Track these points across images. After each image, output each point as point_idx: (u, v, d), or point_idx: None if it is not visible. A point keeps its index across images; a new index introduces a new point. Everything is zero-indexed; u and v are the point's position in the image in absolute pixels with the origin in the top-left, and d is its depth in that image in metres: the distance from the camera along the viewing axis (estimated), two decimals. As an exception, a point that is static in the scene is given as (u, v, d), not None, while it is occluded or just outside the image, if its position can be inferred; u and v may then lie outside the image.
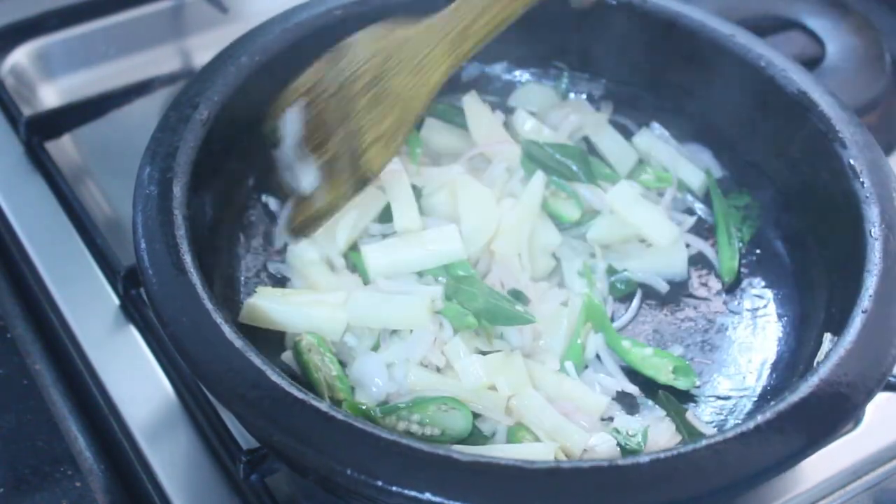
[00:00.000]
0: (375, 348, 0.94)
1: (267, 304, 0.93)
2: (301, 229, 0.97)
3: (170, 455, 0.89)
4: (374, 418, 0.87)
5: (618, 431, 0.90)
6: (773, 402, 0.77)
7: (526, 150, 1.09)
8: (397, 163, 1.03)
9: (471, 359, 0.91)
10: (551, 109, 1.16)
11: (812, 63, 1.21)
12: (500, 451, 0.85)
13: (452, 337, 0.93)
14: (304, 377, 0.91)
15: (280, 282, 1.01)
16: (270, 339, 0.94)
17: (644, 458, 0.72)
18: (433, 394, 0.89)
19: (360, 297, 0.95)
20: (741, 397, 0.95)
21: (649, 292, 1.04)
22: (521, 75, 1.19)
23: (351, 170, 0.93)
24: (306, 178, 0.93)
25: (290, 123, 0.92)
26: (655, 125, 1.14)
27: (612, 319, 1.01)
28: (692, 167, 1.11)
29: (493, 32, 0.96)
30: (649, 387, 0.95)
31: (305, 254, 1.01)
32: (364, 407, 0.88)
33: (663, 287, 1.04)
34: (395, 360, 0.93)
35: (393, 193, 1.03)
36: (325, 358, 0.92)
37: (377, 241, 1.01)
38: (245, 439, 0.87)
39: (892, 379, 0.81)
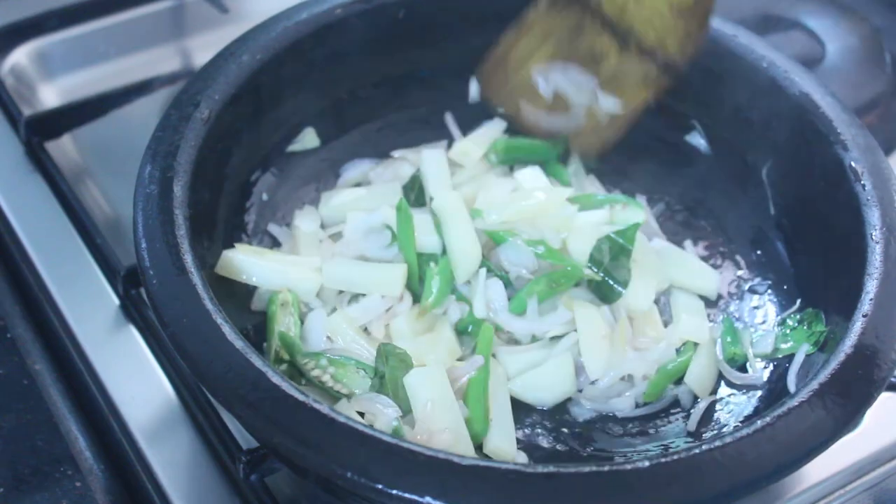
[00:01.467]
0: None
1: (244, 259, 0.95)
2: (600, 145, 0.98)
3: (170, 455, 0.89)
4: (296, 362, 0.91)
5: None
6: (773, 406, 0.77)
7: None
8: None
9: (411, 340, 0.94)
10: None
11: (812, 63, 1.21)
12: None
13: (407, 310, 0.97)
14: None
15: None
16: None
17: (644, 463, 0.71)
18: (360, 358, 0.93)
19: (337, 262, 0.99)
20: (741, 400, 0.95)
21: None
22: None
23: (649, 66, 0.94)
24: (605, 101, 0.96)
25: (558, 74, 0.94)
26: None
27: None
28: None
29: None
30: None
31: (304, 224, 1.04)
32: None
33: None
34: (341, 322, 0.95)
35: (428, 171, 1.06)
36: (290, 318, 0.94)
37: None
38: (245, 439, 0.87)
39: (892, 379, 0.81)
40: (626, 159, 1.14)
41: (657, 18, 0.90)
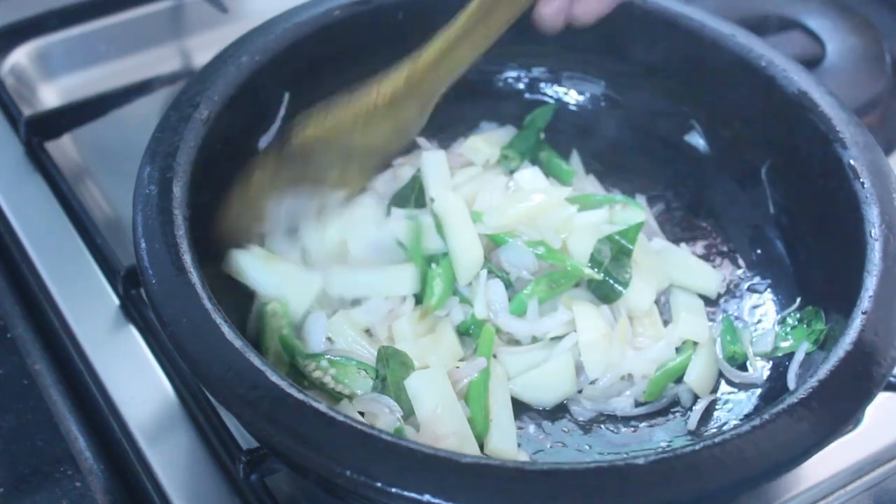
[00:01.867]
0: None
1: (248, 262, 0.95)
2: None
3: (170, 455, 0.89)
4: (297, 364, 0.92)
5: None
6: (772, 404, 0.77)
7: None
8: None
9: (413, 342, 0.94)
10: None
11: (812, 63, 1.21)
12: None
13: (410, 312, 0.96)
14: (258, 341, 0.94)
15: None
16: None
17: (643, 460, 0.71)
18: (361, 359, 0.93)
19: (340, 271, 0.98)
20: (742, 398, 0.95)
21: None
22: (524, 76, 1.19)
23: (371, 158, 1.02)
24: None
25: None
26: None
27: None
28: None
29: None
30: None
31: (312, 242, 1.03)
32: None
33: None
34: (343, 323, 0.95)
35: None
36: (284, 328, 0.94)
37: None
38: (245, 439, 0.87)
39: (892, 379, 0.81)
40: (625, 160, 1.14)
41: (384, 135, 1.00)
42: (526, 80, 1.19)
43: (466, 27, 0.95)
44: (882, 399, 0.82)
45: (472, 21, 0.94)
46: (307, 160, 0.98)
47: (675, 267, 1.04)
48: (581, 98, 1.19)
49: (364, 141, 0.99)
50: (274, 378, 0.75)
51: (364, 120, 0.97)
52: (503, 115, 1.18)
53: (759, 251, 1.06)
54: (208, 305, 0.79)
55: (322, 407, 0.73)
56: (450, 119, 1.13)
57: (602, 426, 0.94)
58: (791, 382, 0.91)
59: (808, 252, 1.00)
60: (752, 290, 1.05)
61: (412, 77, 0.96)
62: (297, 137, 0.98)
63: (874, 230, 0.88)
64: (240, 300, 0.96)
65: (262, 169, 0.98)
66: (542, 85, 1.19)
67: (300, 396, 0.74)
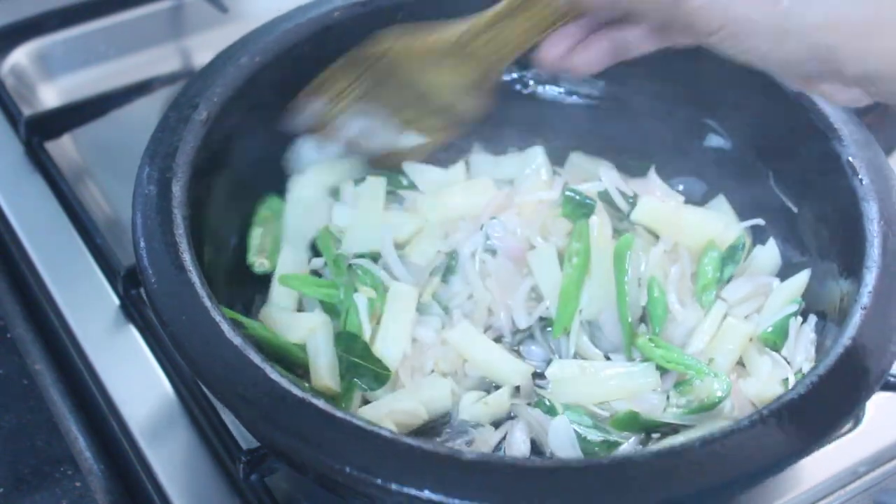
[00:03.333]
0: None
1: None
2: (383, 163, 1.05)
3: (170, 455, 0.89)
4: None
5: None
6: (772, 400, 0.77)
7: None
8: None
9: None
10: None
11: (812, 63, 1.20)
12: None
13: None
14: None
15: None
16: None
17: (645, 456, 0.72)
18: None
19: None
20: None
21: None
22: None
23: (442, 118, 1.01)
24: (407, 138, 1.03)
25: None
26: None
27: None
28: None
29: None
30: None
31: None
32: None
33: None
34: None
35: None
36: None
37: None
38: (245, 439, 0.87)
39: (891, 378, 0.81)
40: (625, 159, 1.14)
41: (446, 89, 0.98)
42: (526, 81, 1.19)
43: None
44: (882, 399, 0.82)
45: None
46: (380, 80, 0.98)
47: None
48: (581, 98, 1.18)
49: (434, 82, 0.97)
50: (273, 376, 0.75)
51: (434, 56, 0.96)
52: (503, 115, 1.18)
53: (756, 250, 1.06)
54: (208, 304, 0.79)
55: (322, 404, 0.73)
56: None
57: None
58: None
59: (806, 248, 1.00)
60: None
61: (474, 29, 0.94)
62: (370, 47, 0.98)
63: (873, 226, 0.88)
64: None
65: (335, 70, 0.99)
66: (542, 85, 1.19)
67: (300, 394, 0.74)
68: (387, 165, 1.07)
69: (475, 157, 1.14)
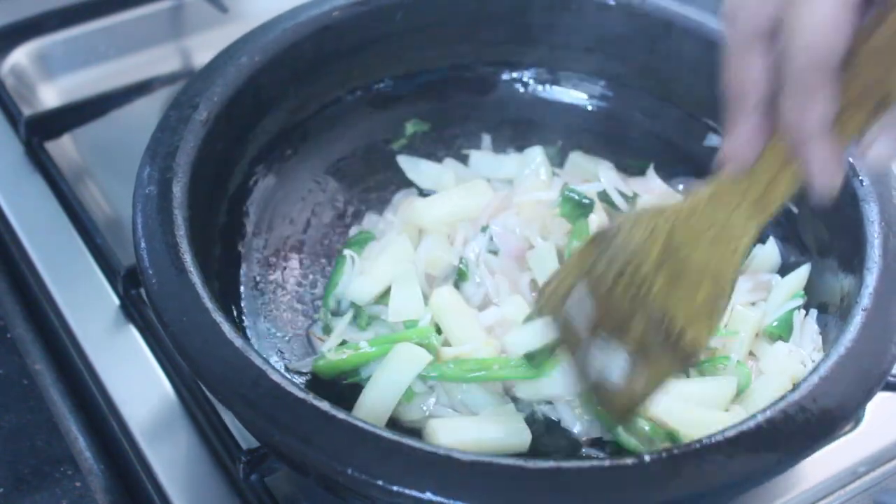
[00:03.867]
0: None
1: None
2: (622, 416, 0.86)
3: (170, 455, 0.89)
4: None
5: None
6: (774, 401, 0.77)
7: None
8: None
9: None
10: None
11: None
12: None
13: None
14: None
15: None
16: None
17: (646, 458, 0.71)
18: None
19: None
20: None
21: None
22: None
23: (671, 352, 0.79)
24: (615, 364, 0.81)
25: (578, 308, 0.81)
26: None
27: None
28: None
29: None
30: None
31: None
32: None
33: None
34: None
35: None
36: None
37: None
38: (245, 439, 0.87)
39: (891, 379, 0.81)
40: (624, 159, 1.14)
41: (686, 304, 0.78)
42: (526, 81, 1.19)
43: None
44: (882, 399, 0.82)
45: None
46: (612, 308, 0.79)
47: None
48: (580, 98, 1.18)
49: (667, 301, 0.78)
50: (275, 377, 0.75)
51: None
52: (503, 115, 1.18)
53: (756, 249, 1.06)
54: (209, 305, 0.79)
55: (323, 405, 0.73)
56: (449, 118, 1.14)
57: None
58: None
59: (806, 250, 1.00)
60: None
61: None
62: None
63: (873, 227, 0.88)
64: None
65: (571, 268, 0.82)
66: (542, 84, 1.19)
67: (301, 395, 0.74)
68: (617, 413, 0.86)
69: (475, 154, 1.14)
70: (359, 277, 1.00)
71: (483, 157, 1.14)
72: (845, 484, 0.91)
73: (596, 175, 1.09)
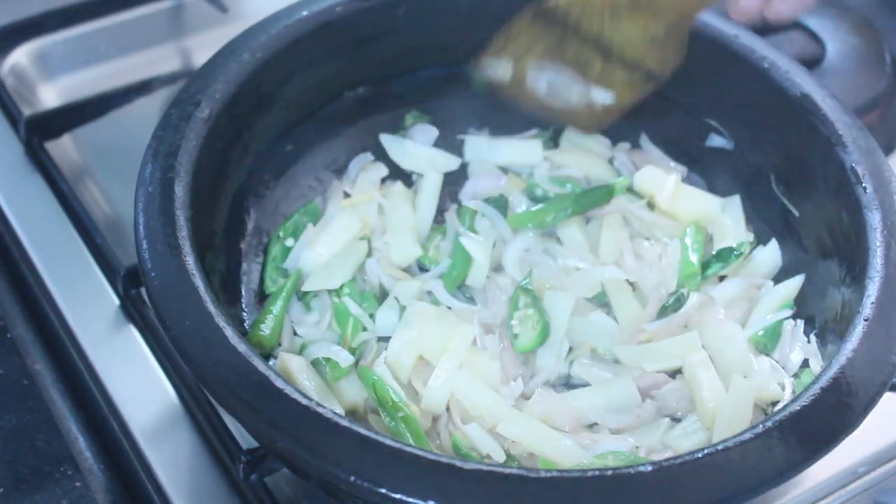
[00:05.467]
0: None
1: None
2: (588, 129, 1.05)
3: (170, 455, 0.89)
4: None
5: None
6: (774, 410, 0.77)
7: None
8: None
9: None
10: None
11: (812, 63, 1.20)
12: None
13: None
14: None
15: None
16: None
17: (647, 467, 0.71)
18: None
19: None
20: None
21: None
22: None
23: (631, 72, 0.98)
24: (598, 94, 1.00)
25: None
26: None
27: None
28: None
29: None
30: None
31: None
32: None
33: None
34: None
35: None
36: None
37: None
38: (245, 439, 0.87)
39: (892, 380, 0.81)
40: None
41: (633, 42, 0.95)
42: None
43: None
44: (882, 399, 0.82)
45: None
46: (563, 35, 0.97)
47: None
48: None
49: (619, 36, 0.96)
50: (278, 383, 0.75)
51: (618, 8, 0.95)
52: (498, 100, 1.18)
53: (757, 249, 1.06)
54: (211, 309, 0.79)
55: (326, 412, 0.73)
56: (449, 115, 1.14)
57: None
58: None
59: (809, 256, 1.00)
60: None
61: None
62: (550, 1, 0.97)
63: (876, 235, 0.88)
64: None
65: (516, 28, 0.98)
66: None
67: (304, 401, 0.74)
68: (582, 125, 1.07)
69: (470, 138, 1.14)
70: (307, 247, 1.02)
71: (478, 143, 1.14)
72: (845, 484, 0.92)
73: (592, 150, 1.11)
